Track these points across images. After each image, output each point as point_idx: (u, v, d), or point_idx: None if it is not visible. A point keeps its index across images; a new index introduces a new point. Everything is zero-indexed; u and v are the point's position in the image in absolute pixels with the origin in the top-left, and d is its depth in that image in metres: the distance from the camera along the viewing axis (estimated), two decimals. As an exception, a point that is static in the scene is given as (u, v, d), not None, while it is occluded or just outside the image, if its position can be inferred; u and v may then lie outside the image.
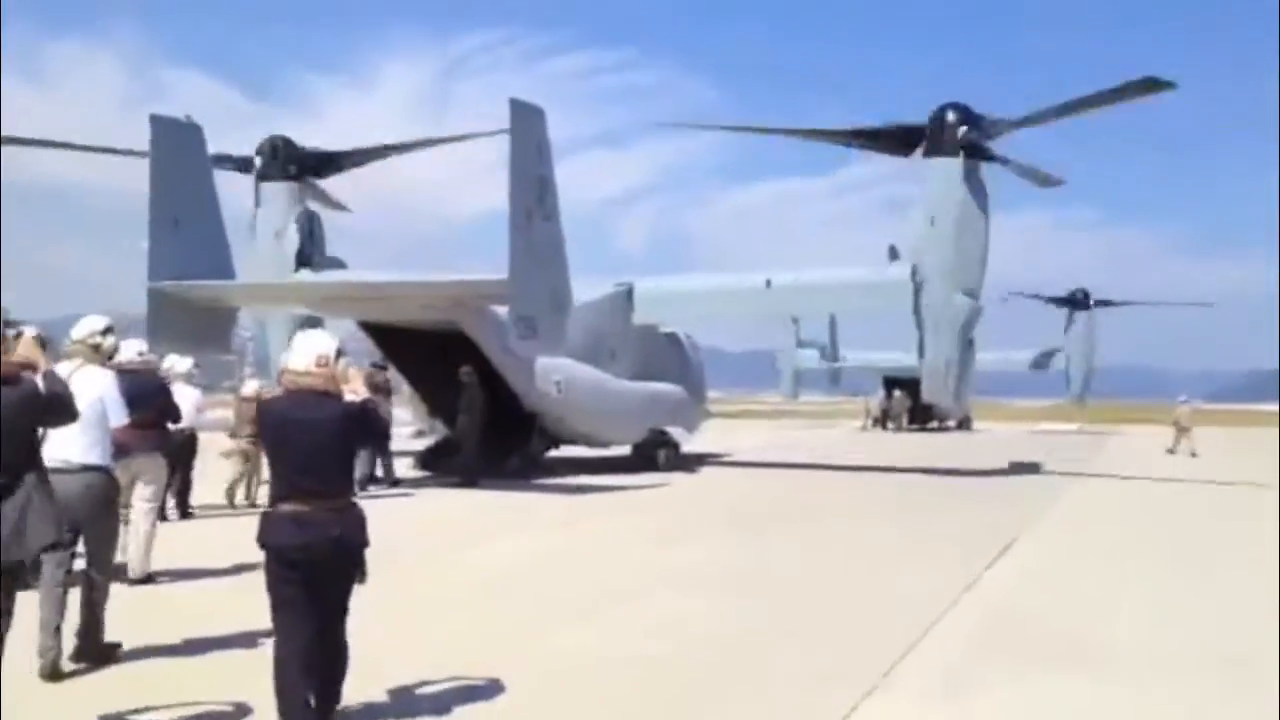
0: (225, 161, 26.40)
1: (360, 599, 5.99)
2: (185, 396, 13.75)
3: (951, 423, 55.54)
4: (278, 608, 5.73)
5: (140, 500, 10.19)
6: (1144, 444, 40.79)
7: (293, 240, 26.17)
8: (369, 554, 5.88)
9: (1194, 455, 34.29)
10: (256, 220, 26.21)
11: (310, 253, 26.29)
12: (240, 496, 16.45)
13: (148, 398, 9.66)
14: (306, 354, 5.82)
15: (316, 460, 5.67)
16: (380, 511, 16.14)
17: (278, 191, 26.28)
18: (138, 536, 10.16)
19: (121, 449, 8.66)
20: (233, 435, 17.02)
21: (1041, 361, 56.15)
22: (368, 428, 5.99)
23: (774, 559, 12.69)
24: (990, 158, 24.44)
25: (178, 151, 20.03)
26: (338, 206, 27.88)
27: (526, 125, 18.87)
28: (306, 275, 24.55)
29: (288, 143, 26.77)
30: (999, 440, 44.31)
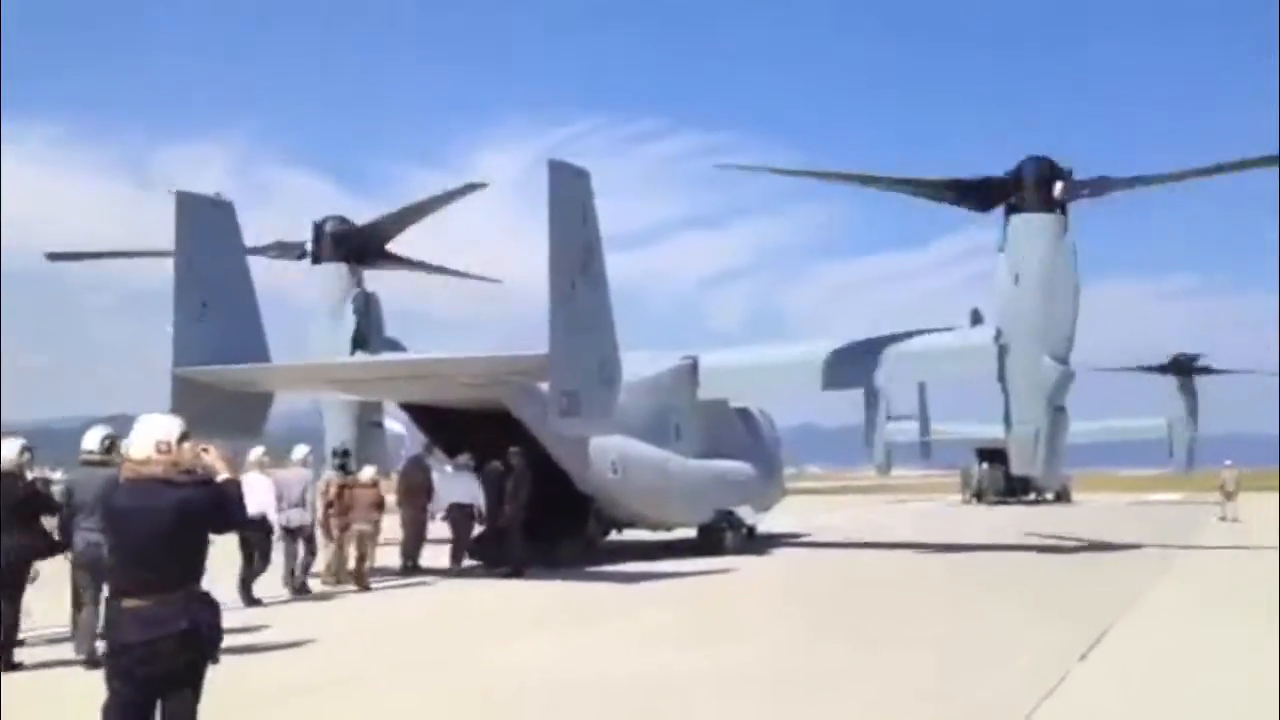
0: (290, 249, 25.88)
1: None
2: (258, 486, 14.69)
3: (1049, 495, 53.07)
4: (110, 708, 5.21)
5: None
6: (1247, 510, 38.08)
7: (349, 322, 25.35)
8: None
9: (1235, 520, 34.26)
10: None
11: (367, 335, 25.41)
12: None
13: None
14: (146, 440, 5.37)
15: (153, 551, 5.19)
16: (384, 605, 15.06)
17: (331, 273, 25.54)
18: None
19: None
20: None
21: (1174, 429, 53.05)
22: (222, 512, 5.43)
23: (820, 664, 11.04)
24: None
25: (206, 231, 19.16)
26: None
27: (568, 188, 17.72)
28: (357, 357, 23.56)
29: (341, 223, 26.05)
30: (1095, 512, 42.02)
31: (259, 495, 14.58)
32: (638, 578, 18.75)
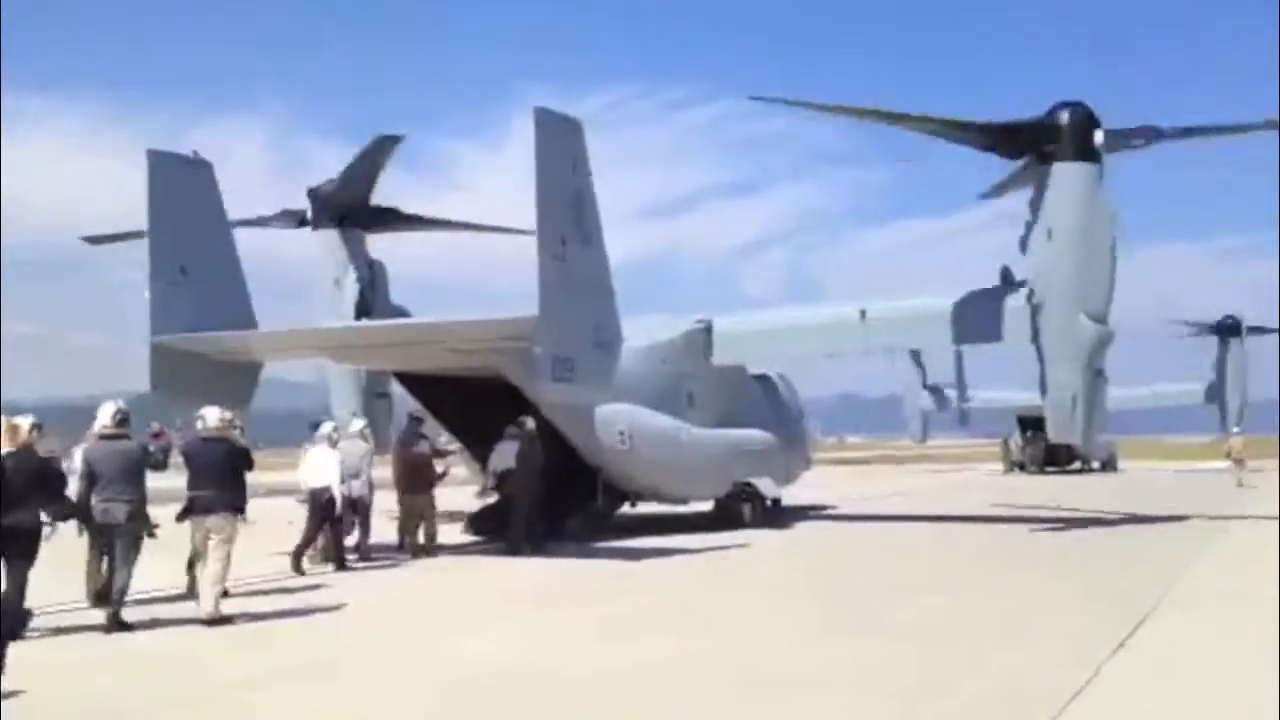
0: (293, 217, 24.83)
1: None
2: (327, 458, 15.96)
3: (1095, 464, 51.40)
4: None
5: (213, 555, 11.41)
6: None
7: (352, 289, 24.29)
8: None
9: (1241, 485, 35.05)
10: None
11: (371, 303, 24.32)
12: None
13: (220, 462, 11.70)
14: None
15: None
16: (341, 589, 13.95)
17: (332, 240, 24.42)
18: (208, 585, 11.35)
19: (204, 508, 11.58)
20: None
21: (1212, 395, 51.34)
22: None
23: (823, 653, 9.84)
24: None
25: (183, 192, 18.08)
26: None
27: (556, 137, 16.49)
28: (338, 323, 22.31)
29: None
30: (1140, 481, 40.54)
31: (326, 468, 15.91)
32: (645, 553, 17.62)
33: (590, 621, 11.67)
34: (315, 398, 29.18)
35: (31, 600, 10.20)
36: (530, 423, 18.76)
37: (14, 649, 8.10)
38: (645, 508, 23.30)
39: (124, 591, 11.09)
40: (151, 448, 12.36)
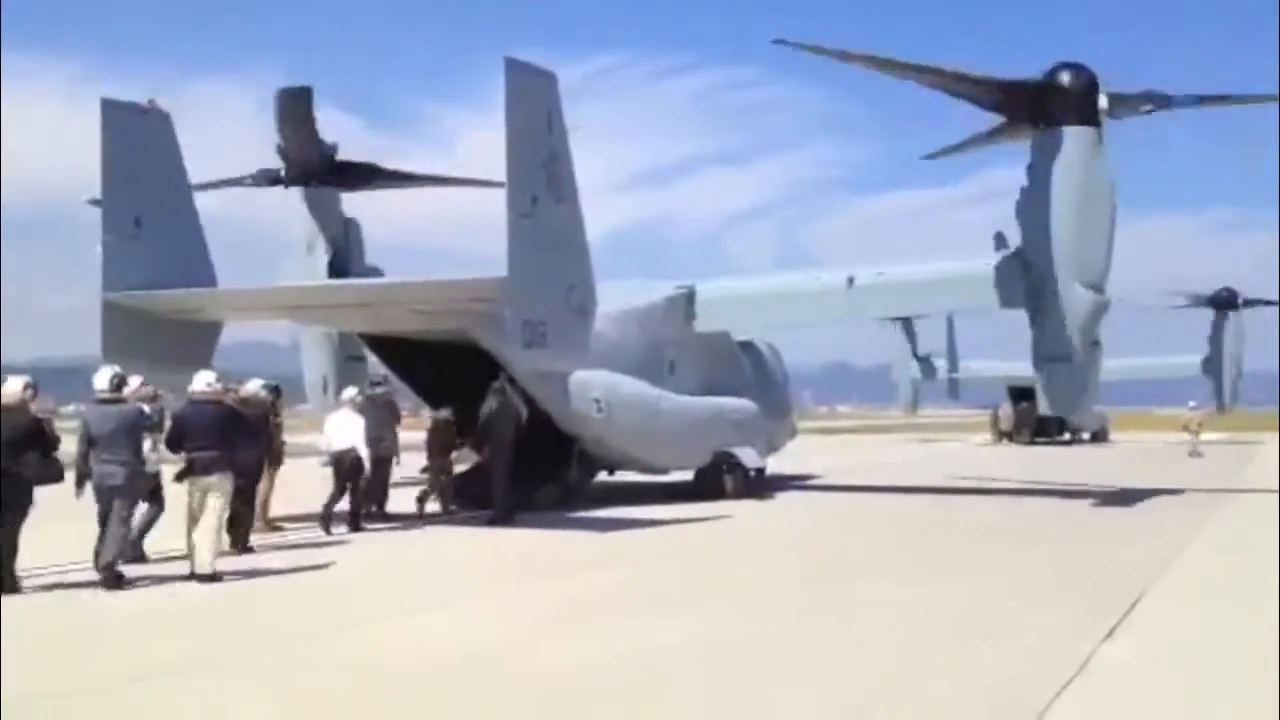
0: (264, 176, 24.04)
1: None
2: (350, 422, 16.45)
3: (1085, 435, 50.91)
4: None
5: (210, 510, 11.91)
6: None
7: (323, 250, 23.51)
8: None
9: (1194, 454, 38.29)
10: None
11: (347, 263, 23.55)
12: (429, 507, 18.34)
13: (215, 424, 12.21)
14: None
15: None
16: (334, 553, 13.42)
17: (310, 198, 23.61)
18: (205, 539, 11.75)
19: (203, 469, 12.00)
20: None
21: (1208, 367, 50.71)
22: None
23: (792, 635, 9.15)
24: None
25: (138, 142, 17.18)
26: None
27: (529, 90, 15.66)
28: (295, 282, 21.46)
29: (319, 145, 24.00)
30: (1134, 453, 40.11)
31: (351, 430, 16.34)
32: (617, 524, 16.96)
33: (552, 599, 10.96)
34: (285, 361, 28.52)
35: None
36: (506, 384, 18.10)
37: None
38: (623, 477, 22.64)
39: (122, 550, 11.56)
40: (148, 409, 12.65)
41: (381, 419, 17.52)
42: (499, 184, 15.97)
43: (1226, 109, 23.62)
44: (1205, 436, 47.15)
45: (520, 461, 18.19)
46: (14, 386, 11.07)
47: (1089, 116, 20.49)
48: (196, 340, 18.06)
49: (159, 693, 7.38)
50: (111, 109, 17.07)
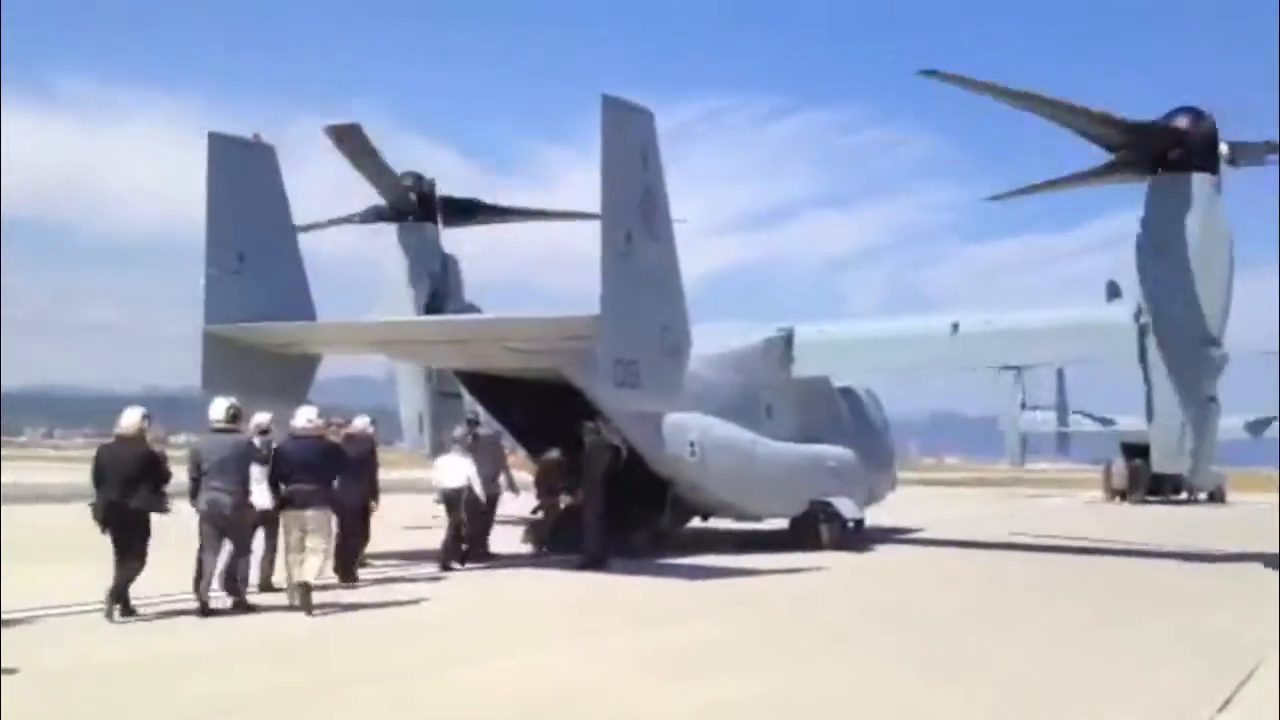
0: (373, 214, 24.37)
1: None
2: (459, 463, 16.79)
3: (1201, 495, 48.99)
4: None
5: (310, 547, 12.07)
6: None
7: (423, 286, 23.68)
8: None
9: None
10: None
11: (444, 299, 23.67)
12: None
13: (315, 459, 12.41)
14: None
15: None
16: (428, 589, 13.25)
17: (409, 233, 23.88)
18: (307, 571, 11.95)
19: (301, 502, 12.18)
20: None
21: (1257, 428, 48.84)
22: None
23: (889, 704, 8.66)
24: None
25: (242, 176, 17.44)
26: None
27: (625, 127, 15.50)
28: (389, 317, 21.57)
29: (418, 180, 24.31)
30: (1251, 514, 38.34)
31: (462, 470, 16.68)
32: (706, 574, 16.55)
33: (638, 646, 10.60)
34: (383, 395, 28.71)
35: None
36: (600, 426, 17.86)
37: None
38: (716, 523, 22.20)
39: (244, 577, 12.03)
40: (258, 442, 12.74)
41: (486, 459, 17.61)
42: (598, 216, 15.82)
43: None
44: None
45: (614, 505, 17.90)
46: (133, 418, 11.33)
47: (1209, 164, 19.74)
48: (294, 373, 18.16)
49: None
50: (218, 142, 17.33)
